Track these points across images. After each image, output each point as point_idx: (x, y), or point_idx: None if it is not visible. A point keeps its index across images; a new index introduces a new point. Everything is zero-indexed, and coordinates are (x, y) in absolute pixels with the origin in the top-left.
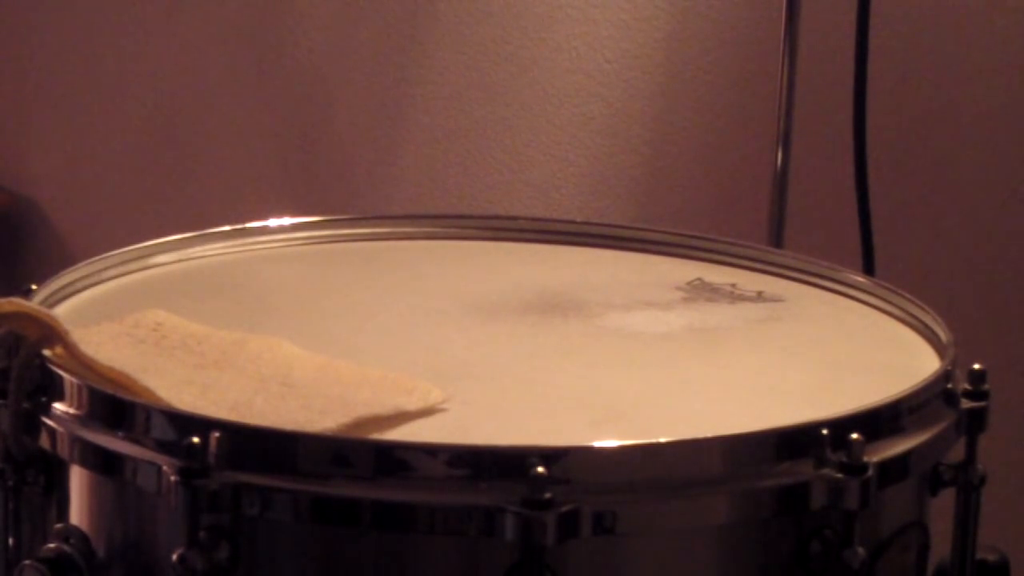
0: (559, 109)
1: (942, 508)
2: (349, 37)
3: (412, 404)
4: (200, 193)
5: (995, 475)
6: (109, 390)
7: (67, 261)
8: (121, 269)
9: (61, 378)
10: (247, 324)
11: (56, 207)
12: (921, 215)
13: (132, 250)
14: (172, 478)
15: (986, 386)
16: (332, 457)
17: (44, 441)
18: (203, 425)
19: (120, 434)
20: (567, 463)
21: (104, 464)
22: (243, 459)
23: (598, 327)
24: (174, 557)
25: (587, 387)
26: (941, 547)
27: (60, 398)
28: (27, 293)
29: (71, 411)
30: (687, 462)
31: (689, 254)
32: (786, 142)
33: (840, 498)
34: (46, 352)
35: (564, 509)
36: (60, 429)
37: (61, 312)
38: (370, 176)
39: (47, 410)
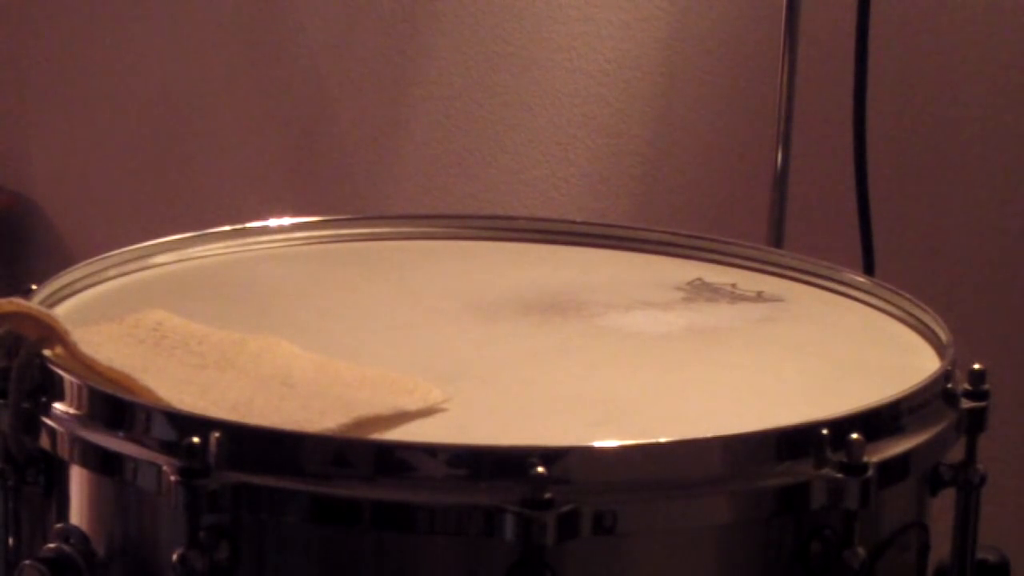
0: (559, 109)
1: (942, 508)
2: (349, 37)
3: (412, 404)
4: (200, 193)
5: (995, 475)
6: (109, 390)
7: (67, 261)
8: (121, 269)
9: (61, 378)
10: (247, 324)
11: (56, 207)
12: (921, 215)
13: (132, 250)
14: (172, 478)
15: (986, 386)
16: (332, 457)
17: (44, 441)
18: (203, 425)
19: (120, 434)
20: (567, 463)
21: (104, 464)
22: (243, 459)
23: (598, 327)
24: (174, 557)
25: (587, 387)
26: (941, 547)
27: (60, 398)
28: (27, 293)
29: (71, 411)
30: (687, 462)
31: (689, 254)
32: (786, 142)
33: (840, 498)
34: (46, 352)
35: (564, 509)
36: (60, 429)
37: (61, 312)
38: (370, 176)
39: (47, 410)
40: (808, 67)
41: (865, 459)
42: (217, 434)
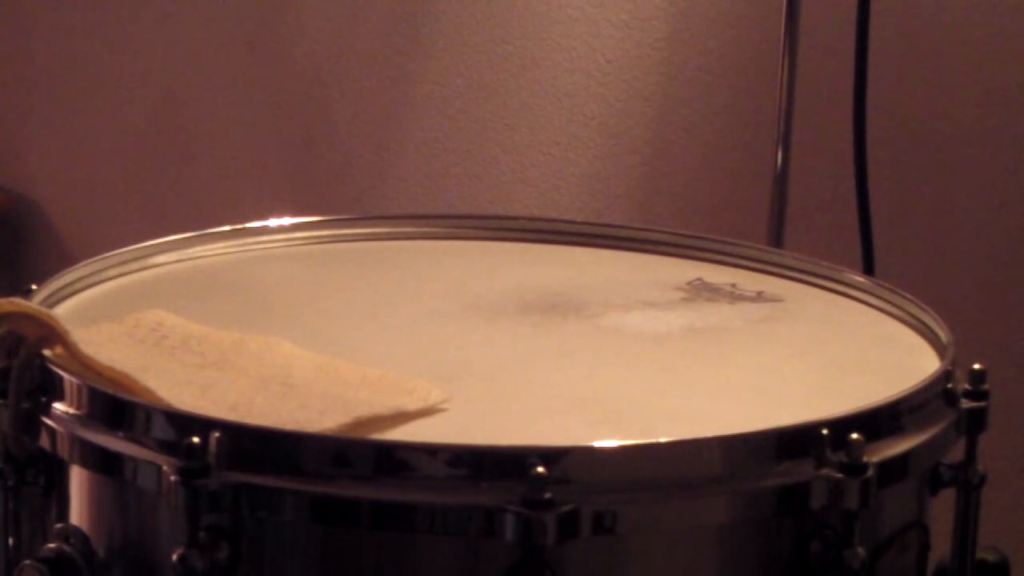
0: (559, 109)
1: (942, 508)
2: (349, 37)
3: (412, 404)
4: (200, 193)
5: (995, 475)
6: (109, 390)
7: (67, 261)
8: (121, 269)
9: (61, 378)
10: (247, 324)
11: (56, 207)
12: (921, 215)
13: (132, 250)
14: (172, 478)
15: (986, 386)
16: (332, 457)
17: (44, 441)
18: (203, 425)
19: (120, 434)
20: (567, 463)
21: (104, 464)
22: (243, 459)
23: (598, 327)
24: (174, 557)
25: (587, 387)
26: (941, 547)
27: (60, 398)
28: (27, 293)
29: (71, 411)
30: (687, 462)
31: (689, 254)
32: (786, 142)
33: (840, 498)
34: (46, 352)
35: (564, 509)
36: (60, 429)
37: (61, 312)
38: (370, 176)
39: (47, 410)
40: (808, 67)
41: (865, 459)
42: (217, 434)
